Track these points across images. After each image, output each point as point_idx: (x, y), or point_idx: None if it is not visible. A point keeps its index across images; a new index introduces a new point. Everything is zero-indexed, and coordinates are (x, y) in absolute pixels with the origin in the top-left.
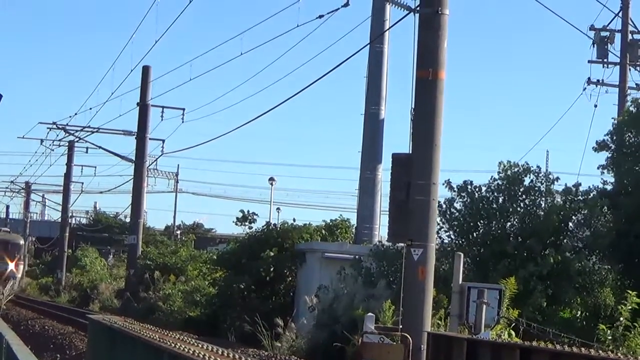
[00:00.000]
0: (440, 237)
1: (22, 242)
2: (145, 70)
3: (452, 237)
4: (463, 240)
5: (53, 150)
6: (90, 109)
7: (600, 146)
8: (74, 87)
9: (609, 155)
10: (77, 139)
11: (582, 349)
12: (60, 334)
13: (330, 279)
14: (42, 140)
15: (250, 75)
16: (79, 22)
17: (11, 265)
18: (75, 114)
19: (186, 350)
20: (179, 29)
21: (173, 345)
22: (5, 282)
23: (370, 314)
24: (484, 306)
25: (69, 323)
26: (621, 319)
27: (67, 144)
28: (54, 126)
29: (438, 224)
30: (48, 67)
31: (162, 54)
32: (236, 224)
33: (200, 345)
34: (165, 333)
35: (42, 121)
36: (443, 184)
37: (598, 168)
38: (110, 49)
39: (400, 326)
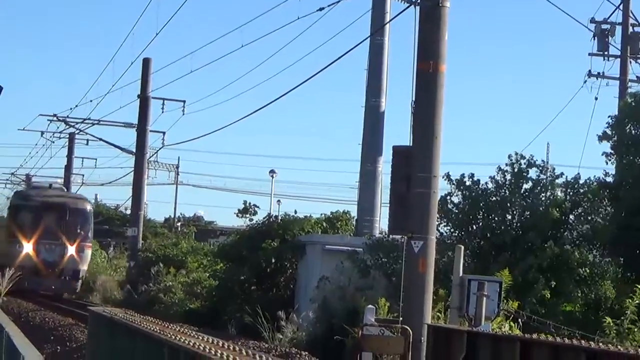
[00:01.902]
0: (438, 231)
1: (89, 208)
2: (146, 63)
3: (450, 230)
4: (462, 233)
5: (54, 142)
6: (91, 101)
7: (604, 136)
8: (75, 79)
9: (612, 145)
10: (78, 131)
11: (583, 341)
12: (60, 325)
13: (330, 271)
14: (42, 132)
15: (251, 68)
16: (79, 14)
17: (71, 250)
18: (76, 106)
19: (186, 342)
20: (180, 22)
21: (173, 337)
22: (61, 277)
23: (370, 306)
24: (484, 299)
25: (69, 315)
26: (627, 312)
27: (67, 136)
28: (55, 118)
29: (442, 219)
30: (49, 59)
31: (162, 47)
32: (237, 216)
33: (200, 337)
34: (166, 325)
35: (43, 113)
36: (442, 177)
37: (602, 154)
38: (111, 41)
39: (401, 318)
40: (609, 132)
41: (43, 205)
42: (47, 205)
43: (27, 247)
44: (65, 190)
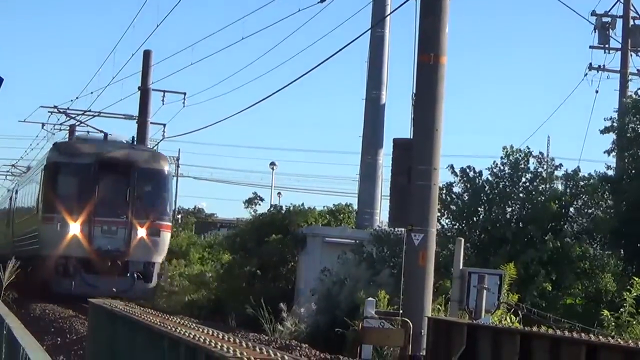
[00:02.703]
0: (440, 223)
1: (167, 169)
2: (147, 55)
3: (451, 223)
4: (463, 225)
5: (54, 134)
6: (92, 93)
7: (607, 129)
8: (76, 71)
9: (615, 138)
10: (78, 122)
11: (582, 334)
12: (60, 317)
13: (330, 263)
14: (43, 124)
15: (252, 60)
16: (80, 5)
17: (141, 232)
18: (77, 97)
19: (186, 334)
20: (180, 14)
21: (173, 329)
22: (126, 274)
23: (370, 298)
24: (484, 291)
25: (69, 307)
26: (625, 305)
27: (68, 128)
28: (55, 110)
29: (441, 212)
30: (49, 51)
31: (163, 39)
32: (244, 206)
33: (200, 330)
34: (166, 317)
35: (43, 105)
36: (446, 168)
37: (605, 152)
38: (112, 33)
39: (401, 311)
40: (615, 116)
41: (98, 164)
42: (104, 164)
43: (74, 228)
44: (131, 141)
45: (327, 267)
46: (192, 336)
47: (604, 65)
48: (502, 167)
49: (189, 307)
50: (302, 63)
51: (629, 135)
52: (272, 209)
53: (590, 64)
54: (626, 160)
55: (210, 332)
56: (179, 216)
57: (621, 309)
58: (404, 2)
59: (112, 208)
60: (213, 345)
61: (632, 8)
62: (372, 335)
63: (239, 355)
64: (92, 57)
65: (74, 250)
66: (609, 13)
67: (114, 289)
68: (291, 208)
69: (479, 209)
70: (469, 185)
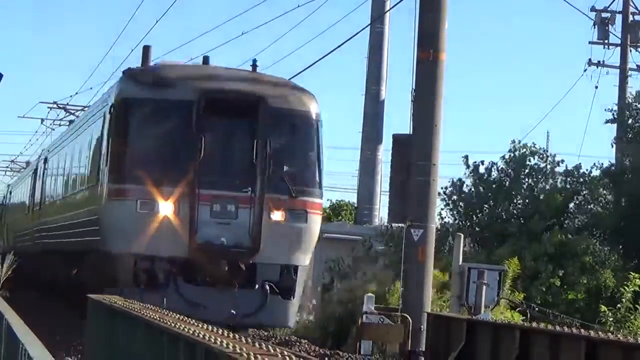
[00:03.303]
0: (442, 218)
1: (313, 110)
2: (146, 50)
3: (456, 217)
4: (467, 220)
5: (54, 129)
6: (91, 88)
7: (614, 119)
8: (75, 66)
9: (618, 129)
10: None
11: (582, 330)
12: (60, 313)
13: (328, 259)
14: (42, 120)
15: (251, 55)
16: (80, 0)
17: (276, 216)
18: (76, 93)
19: (186, 330)
20: (180, 9)
21: (173, 325)
22: (252, 285)
23: (370, 294)
24: (484, 287)
25: (68, 303)
26: (623, 300)
27: (67, 124)
28: (55, 105)
29: (447, 205)
30: (49, 46)
31: (163, 34)
32: None
33: (199, 325)
34: (166, 313)
35: (43, 100)
36: (461, 159)
37: (612, 146)
38: (111, 28)
39: (401, 307)
40: (616, 108)
41: (204, 101)
42: (213, 101)
43: (164, 208)
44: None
45: (331, 261)
46: (191, 332)
47: (603, 61)
48: (508, 163)
49: None
50: (301, 59)
51: (635, 126)
52: None
53: (590, 59)
54: (630, 157)
55: (210, 328)
56: None
57: (618, 305)
58: None
59: (227, 175)
60: (212, 340)
61: (631, 4)
62: (371, 330)
63: (238, 350)
64: (91, 53)
65: (164, 245)
66: (609, 9)
67: (232, 311)
68: None
69: (485, 205)
70: (478, 180)
